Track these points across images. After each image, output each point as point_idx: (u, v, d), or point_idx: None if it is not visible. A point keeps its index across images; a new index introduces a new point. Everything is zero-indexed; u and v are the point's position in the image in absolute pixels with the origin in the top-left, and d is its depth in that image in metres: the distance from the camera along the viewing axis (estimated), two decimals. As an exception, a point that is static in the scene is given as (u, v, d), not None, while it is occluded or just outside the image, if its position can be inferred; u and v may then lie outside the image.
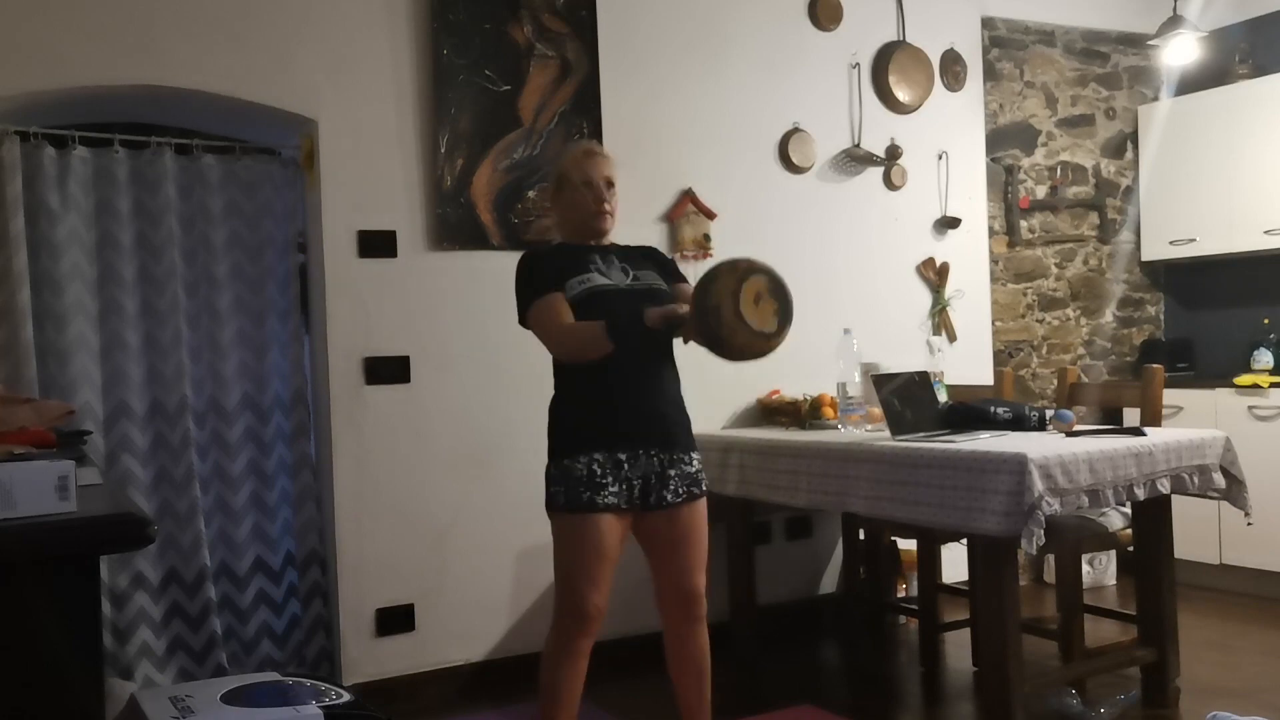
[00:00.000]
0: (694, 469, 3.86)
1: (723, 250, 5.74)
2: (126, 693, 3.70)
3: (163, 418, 4.97)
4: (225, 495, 5.09)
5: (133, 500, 4.03)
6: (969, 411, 4.72)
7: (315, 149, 5.03)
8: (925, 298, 6.58)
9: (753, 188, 6.01)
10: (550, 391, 3.87)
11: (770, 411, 5.79)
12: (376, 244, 5.08)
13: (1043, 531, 3.86)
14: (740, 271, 3.49)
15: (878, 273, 6.40)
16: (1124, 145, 7.44)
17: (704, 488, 3.90)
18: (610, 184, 3.91)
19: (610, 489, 3.70)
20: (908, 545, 6.01)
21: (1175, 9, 6.49)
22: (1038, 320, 7.12)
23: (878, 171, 6.40)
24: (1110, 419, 6.49)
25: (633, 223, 5.56)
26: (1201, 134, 7.04)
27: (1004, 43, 6.98)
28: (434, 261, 5.20)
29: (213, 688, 3.34)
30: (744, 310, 3.45)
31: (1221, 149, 6.90)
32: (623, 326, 3.65)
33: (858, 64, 6.34)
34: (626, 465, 3.73)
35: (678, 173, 5.79)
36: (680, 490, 3.81)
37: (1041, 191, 7.15)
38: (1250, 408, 6.35)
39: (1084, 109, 7.30)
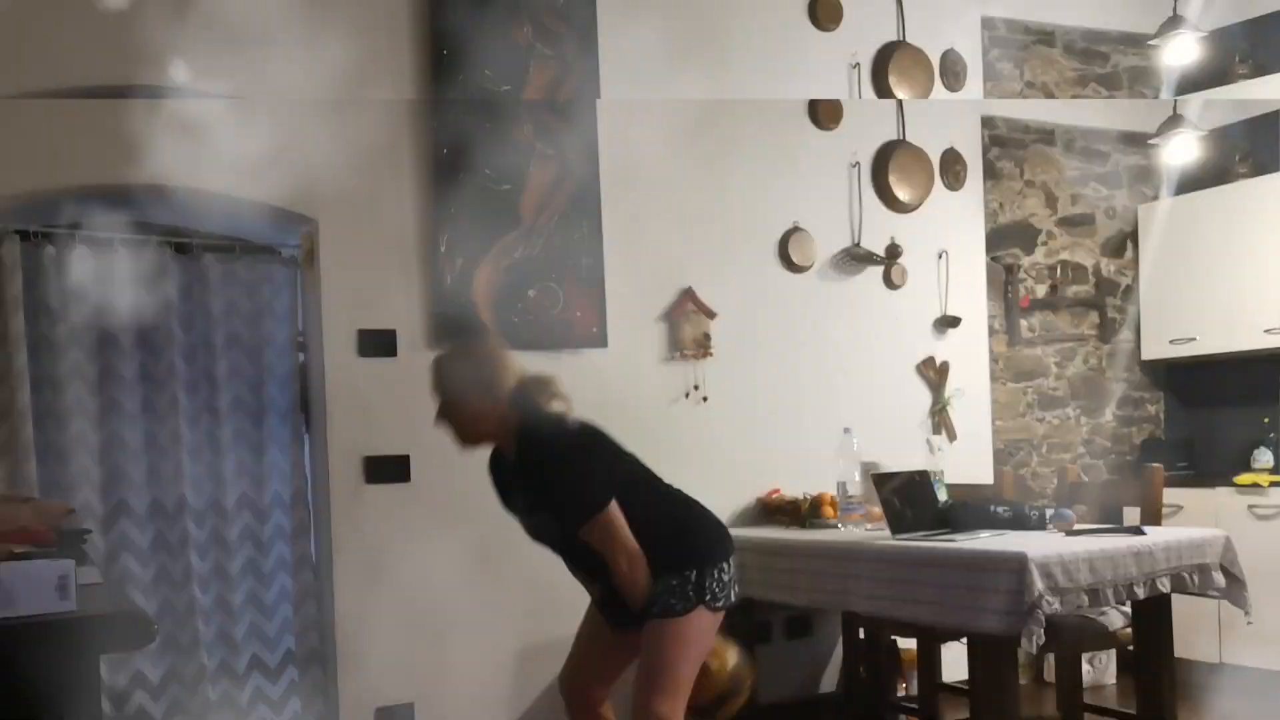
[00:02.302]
0: (657, 589, 3.74)
1: (722, 350, 5.78)
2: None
3: (162, 516, 4.95)
4: (224, 594, 5.06)
5: (133, 600, 4.02)
6: (969, 510, 4.72)
7: (315, 248, 5.06)
8: (925, 397, 6.58)
9: (753, 286, 6.04)
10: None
11: (770, 510, 5.78)
12: (376, 343, 5.10)
13: (1043, 631, 3.86)
14: None
15: (878, 372, 6.40)
16: (1124, 244, 7.48)
17: (665, 610, 3.71)
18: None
19: None
20: (908, 644, 5.96)
21: (1175, 109, 6.54)
22: (1038, 419, 7.12)
23: (878, 270, 6.43)
24: (1110, 518, 6.45)
25: (632, 323, 5.60)
26: (1200, 233, 7.07)
27: (1004, 142, 7.05)
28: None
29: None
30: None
31: (1220, 248, 6.92)
32: None
33: (858, 163, 6.40)
34: None
35: (677, 272, 5.82)
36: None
37: (1041, 290, 7.18)
38: (1250, 506, 6.33)
39: (1084, 208, 7.35)
